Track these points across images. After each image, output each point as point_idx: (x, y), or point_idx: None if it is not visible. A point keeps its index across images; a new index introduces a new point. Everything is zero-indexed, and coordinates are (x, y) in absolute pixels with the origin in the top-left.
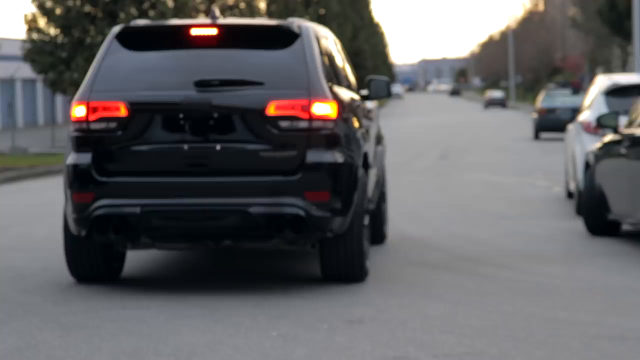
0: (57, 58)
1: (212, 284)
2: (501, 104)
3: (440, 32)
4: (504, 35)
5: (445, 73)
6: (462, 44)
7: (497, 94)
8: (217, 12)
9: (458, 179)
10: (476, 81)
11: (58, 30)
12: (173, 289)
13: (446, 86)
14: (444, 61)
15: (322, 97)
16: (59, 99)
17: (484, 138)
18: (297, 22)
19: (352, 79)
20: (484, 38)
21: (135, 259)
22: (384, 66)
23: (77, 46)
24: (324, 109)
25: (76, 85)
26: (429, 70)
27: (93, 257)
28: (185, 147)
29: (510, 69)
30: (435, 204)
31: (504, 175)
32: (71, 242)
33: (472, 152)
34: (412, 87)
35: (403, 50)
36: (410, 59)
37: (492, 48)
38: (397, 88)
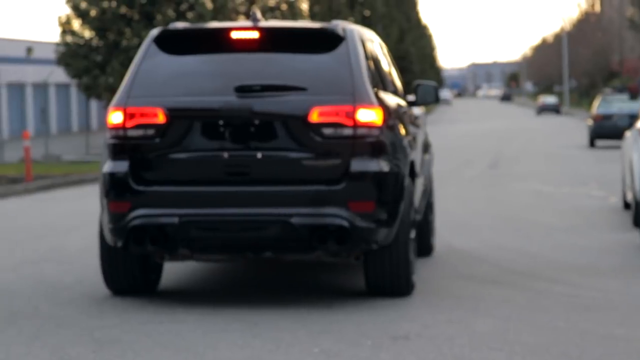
0: (91, 62)
1: (251, 297)
2: (554, 110)
3: (491, 35)
4: (558, 37)
5: (495, 77)
6: (514, 47)
7: (550, 99)
8: (258, 14)
9: (508, 188)
10: (528, 86)
11: (93, 33)
12: (211, 302)
13: (496, 91)
14: (495, 65)
15: (367, 103)
16: (94, 104)
17: (536, 146)
18: (341, 25)
19: (398, 84)
20: (537, 41)
21: (173, 271)
22: (431, 70)
23: (113, 49)
24: (369, 115)
25: (111, 90)
26: (479, 74)
27: (129, 269)
28: (225, 155)
29: (565, 73)
30: (484, 215)
31: (557, 185)
32: (107, 253)
33: (523, 161)
34: (460, 92)
35: (452, 53)
36: (459, 63)
37: (546, 51)
38: (445, 93)
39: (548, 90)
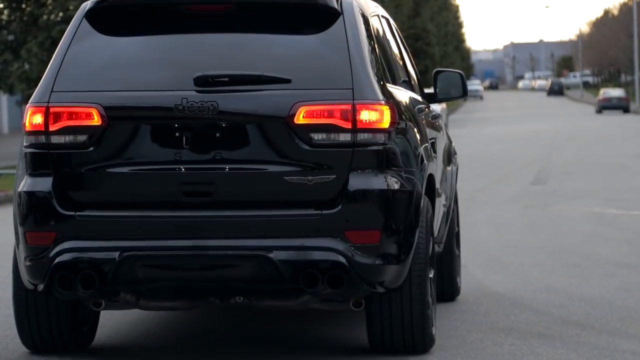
0: (1, 42)
1: (221, 354)
2: (621, 107)
3: (535, 5)
4: (626, 8)
5: (541, 63)
6: (566, 23)
7: (615, 92)
8: None
9: (558, 211)
10: (586, 74)
11: (2, 4)
12: None
13: (543, 81)
14: (540, 46)
15: (371, 100)
16: (4, 99)
17: (596, 155)
18: None
19: (412, 73)
20: (597, 14)
21: (113, 321)
22: (456, 53)
23: (30, 26)
24: (373, 115)
25: (28, 80)
26: (520, 58)
27: (54, 320)
28: (182, 168)
29: (636, 58)
30: (525, 247)
31: (624, 208)
32: (24, 299)
33: (578, 175)
34: (494, 83)
35: (484, 30)
36: (493, 44)
37: (609, 27)
38: (474, 84)
39: (612, 80)
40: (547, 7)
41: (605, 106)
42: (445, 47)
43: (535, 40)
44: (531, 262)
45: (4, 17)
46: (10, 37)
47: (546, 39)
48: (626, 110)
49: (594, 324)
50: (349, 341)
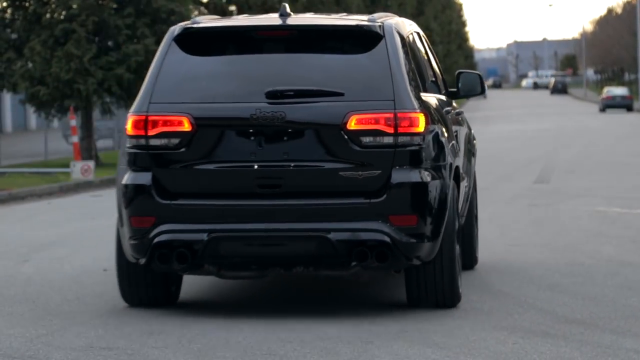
0: (4, 41)
1: (281, 309)
2: (625, 105)
3: (539, 4)
4: (629, 6)
5: (545, 61)
6: (570, 21)
7: (619, 91)
8: (287, 8)
9: (562, 210)
10: (589, 73)
11: (6, 2)
12: (240, 314)
13: (546, 80)
14: (544, 44)
15: (409, 109)
16: (7, 98)
17: (600, 153)
18: (379, 20)
19: (439, 75)
20: (601, 12)
21: (192, 281)
22: (459, 52)
23: (33, 24)
24: (411, 122)
25: (31, 79)
26: (523, 57)
27: (149, 282)
28: (256, 166)
29: None
30: (529, 245)
31: (627, 206)
32: (125, 268)
33: (581, 173)
34: (498, 82)
35: (487, 28)
36: (496, 42)
37: (613, 26)
38: None
39: (616, 78)
40: (550, 5)
41: (609, 105)
42: (449, 46)
43: (539, 38)
44: (534, 260)
45: (7, 15)
46: (14, 36)
47: (550, 38)
48: (630, 108)
49: (597, 323)
50: (389, 299)
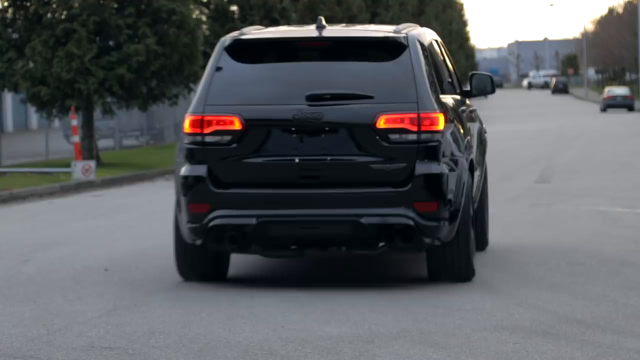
0: (5, 40)
1: (317, 284)
2: (626, 105)
3: (540, 4)
4: (631, 6)
5: (546, 61)
6: (571, 21)
7: (620, 90)
8: (323, 20)
9: (563, 209)
10: (590, 73)
11: (7, 2)
12: (285, 287)
13: (540, 79)
14: (545, 44)
15: (430, 110)
16: (8, 98)
17: (601, 153)
18: (403, 32)
19: (455, 77)
20: (602, 12)
21: (238, 258)
22: (461, 52)
23: (34, 24)
24: (432, 121)
25: (32, 79)
26: (525, 56)
27: (202, 259)
28: (297, 159)
29: None
30: (530, 245)
31: (629, 206)
32: (182, 247)
33: (583, 173)
34: (499, 82)
35: (488, 28)
36: (498, 41)
37: (614, 25)
38: None
39: (618, 78)
40: (551, 5)
41: (610, 104)
42: (450, 46)
43: (540, 38)
44: (536, 260)
45: (9, 15)
46: (15, 35)
47: (551, 37)
48: (631, 108)
49: (598, 323)
50: (411, 275)
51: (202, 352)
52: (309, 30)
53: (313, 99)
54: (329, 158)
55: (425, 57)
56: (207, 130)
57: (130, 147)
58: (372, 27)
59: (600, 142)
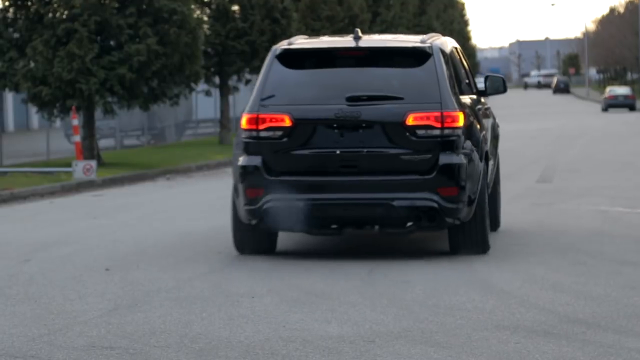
0: (6, 40)
1: (354, 256)
2: (627, 104)
3: (541, 3)
4: (632, 6)
5: (547, 61)
6: (572, 20)
7: (621, 90)
8: (359, 32)
9: (564, 209)
10: (592, 72)
11: (7, 3)
12: (326, 258)
13: (540, 79)
14: (546, 43)
15: (451, 110)
16: (9, 97)
17: (602, 153)
18: (428, 42)
19: (471, 78)
20: (603, 11)
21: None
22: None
23: (35, 25)
24: (453, 119)
25: (33, 79)
26: (526, 56)
27: (256, 235)
28: (338, 151)
29: None
30: (531, 245)
31: (630, 205)
32: (238, 226)
33: (584, 173)
34: None
35: (489, 28)
36: (499, 41)
37: (615, 25)
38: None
39: (619, 78)
40: (553, 4)
41: (612, 104)
42: None
43: (541, 37)
44: (537, 260)
45: (10, 15)
46: (16, 35)
47: (552, 37)
48: (632, 108)
49: (600, 322)
50: (434, 249)
51: (203, 352)
52: (347, 41)
53: (352, 99)
54: (365, 150)
55: (447, 63)
56: (261, 127)
57: (131, 147)
58: (402, 37)
59: (602, 142)
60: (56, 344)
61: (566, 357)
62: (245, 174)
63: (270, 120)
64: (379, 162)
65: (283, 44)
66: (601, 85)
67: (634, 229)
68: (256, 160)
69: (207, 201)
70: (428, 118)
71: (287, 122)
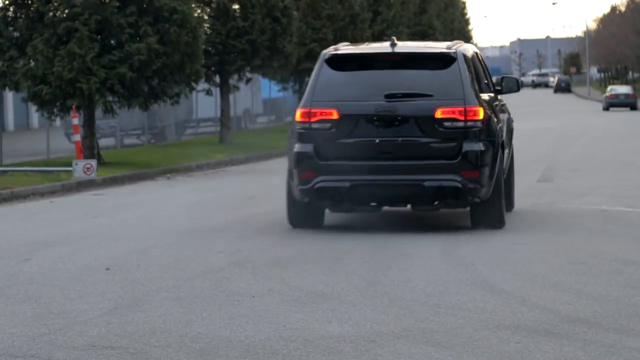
0: (6, 39)
1: (385, 230)
2: (629, 104)
3: (542, 2)
4: (633, 4)
5: (548, 59)
6: (573, 19)
7: (622, 89)
8: (395, 39)
9: (565, 209)
10: (593, 71)
11: (8, 1)
12: (363, 233)
13: (534, 78)
14: (547, 42)
15: (473, 105)
16: (9, 96)
17: (603, 152)
18: (453, 48)
19: (489, 78)
20: (604, 10)
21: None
22: None
23: (35, 23)
24: (475, 113)
25: (34, 78)
26: (527, 55)
27: (307, 210)
28: (377, 140)
29: None
30: (532, 244)
31: (631, 205)
32: (292, 201)
33: (585, 172)
34: None
35: (490, 27)
36: (499, 40)
37: (617, 24)
38: None
39: (620, 77)
40: (554, 3)
41: (613, 103)
42: None
43: (542, 36)
44: (538, 259)
45: (10, 13)
46: (16, 34)
47: (553, 36)
48: (633, 107)
49: (601, 322)
50: (458, 224)
51: (203, 352)
52: (384, 47)
53: (389, 97)
54: (400, 139)
55: (469, 66)
56: (313, 120)
57: (131, 146)
58: (431, 44)
59: (603, 141)
60: (56, 344)
61: (567, 357)
62: (299, 159)
63: (321, 114)
64: (412, 149)
65: (330, 50)
66: (602, 84)
67: (635, 228)
68: (308, 148)
69: (207, 200)
70: (453, 112)
71: (335, 116)
